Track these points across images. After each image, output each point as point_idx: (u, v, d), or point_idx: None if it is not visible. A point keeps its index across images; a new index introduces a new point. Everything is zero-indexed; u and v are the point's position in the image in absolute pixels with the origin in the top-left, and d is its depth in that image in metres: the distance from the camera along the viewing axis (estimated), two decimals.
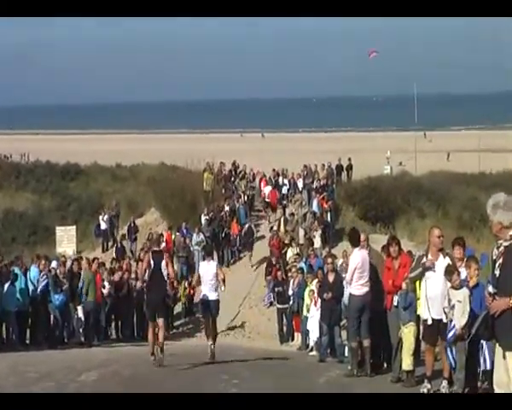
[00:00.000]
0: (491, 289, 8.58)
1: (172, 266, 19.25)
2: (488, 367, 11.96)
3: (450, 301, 12.38)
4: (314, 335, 22.65)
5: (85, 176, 59.15)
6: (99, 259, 29.74)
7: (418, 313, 13.69)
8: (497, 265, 8.57)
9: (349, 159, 50.90)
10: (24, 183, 56.89)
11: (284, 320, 28.54)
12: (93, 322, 25.77)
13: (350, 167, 50.21)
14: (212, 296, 18.16)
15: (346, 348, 18.30)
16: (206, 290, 18.18)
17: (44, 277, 24.45)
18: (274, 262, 33.37)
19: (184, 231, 37.55)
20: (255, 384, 14.40)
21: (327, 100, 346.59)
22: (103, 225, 41.99)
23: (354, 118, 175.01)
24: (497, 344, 8.62)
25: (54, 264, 26.71)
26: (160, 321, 17.54)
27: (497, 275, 8.53)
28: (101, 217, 42.25)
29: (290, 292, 27.63)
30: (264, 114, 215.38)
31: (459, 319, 12.22)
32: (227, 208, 40.19)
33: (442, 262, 12.83)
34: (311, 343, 23.32)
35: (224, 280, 18.47)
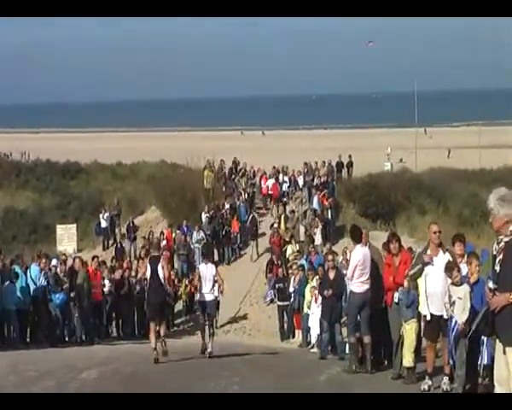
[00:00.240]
0: (491, 284, 8.56)
1: (168, 269, 19.72)
2: (488, 363, 11.96)
3: (450, 297, 12.38)
4: (315, 332, 22.69)
5: (86, 174, 59.15)
6: (99, 257, 29.67)
7: (419, 309, 13.70)
8: (497, 260, 8.55)
9: (349, 156, 50.91)
10: (24, 181, 56.91)
11: (285, 317, 28.55)
12: (85, 320, 25.65)
13: (350, 164, 50.22)
14: (210, 297, 18.90)
15: (347, 345, 18.30)
16: (205, 292, 18.84)
17: (45, 275, 24.46)
18: (275, 260, 33.40)
19: (185, 228, 37.54)
20: (256, 382, 14.42)
21: (326, 97, 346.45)
22: (104, 224, 41.98)
23: (354, 115, 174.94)
24: (498, 340, 8.62)
25: (54, 262, 26.72)
26: (161, 320, 18.38)
27: (498, 271, 8.52)
28: (101, 215, 42.23)
29: (291, 289, 27.64)
30: (264, 112, 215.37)
31: (460, 316, 12.22)
32: (227, 206, 40.20)
33: (442, 258, 12.84)
34: (312, 340, 23.33)
35: (222, 283, 19.27)
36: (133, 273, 29.09)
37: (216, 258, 37.58)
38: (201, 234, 36.80)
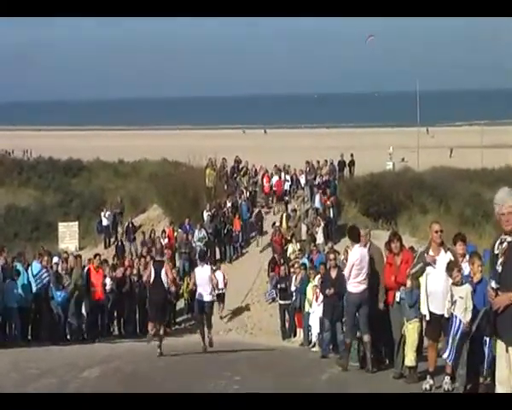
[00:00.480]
0: (494, 284, 8.56)
1: (172, 273, 21.15)
2: (490, 364, 11.97)
3: (452, 296, 12.38)
4: (315, 330, 22.70)
5: (88, 172, 59.22)
6: (101, 255, 29.67)
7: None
8: (499, 261, 8.55)
9: (351, 155, 50.92)
10: (26, 179, 56.99)
11: (286, 316, 28.56)
12: (81, 318, 25.62)
13: (352, 163, 50.21)
14: (207, 298, 19.93)
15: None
16: (201, 292, 19.85)
17: (46, 273, 24.47)
18: (277, 258, 33.42)
19: (187, 227, 37.54)
20: (257, 381, 14.42)
21: (328, 96, 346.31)
22: (105, 222, 42.02)
23: (356, 114, 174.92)
24: (499, 340, 8.62)
25: (55, 260, 26.72)
26: (161, 321, 19.54)
27: (500, 271, 8.51)
28: (103, 213, 42.27)
29: (292, 288, 27.63)
30: (265, 111, 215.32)
31: (464, 316, 12.22)
32: (229, 204, 40.22)
33: (444, 258, 12.85)
34: (313, 339, 23.34)
35: (216, 284, 21.22)
36: (135, 271, 29.12)
37: (218, 256, 37.75)
38: (203, 232, 36.81)
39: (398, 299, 14.65)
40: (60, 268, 25.72)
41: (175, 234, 37.31)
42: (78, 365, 16.39)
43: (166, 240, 36.02)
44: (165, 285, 19.32)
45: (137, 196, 48.21)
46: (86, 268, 26.32)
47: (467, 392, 12.05)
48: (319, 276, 22.74)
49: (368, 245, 16.05)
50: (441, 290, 12.63)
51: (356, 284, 15.54)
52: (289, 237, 36.05)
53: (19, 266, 23.94)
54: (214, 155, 45.76)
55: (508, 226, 8.59)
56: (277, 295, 30.25)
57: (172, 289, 22.58)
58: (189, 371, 16.24)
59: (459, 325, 12.24)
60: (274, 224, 38.27)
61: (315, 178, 44.43)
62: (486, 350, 12.05)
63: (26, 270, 24.27)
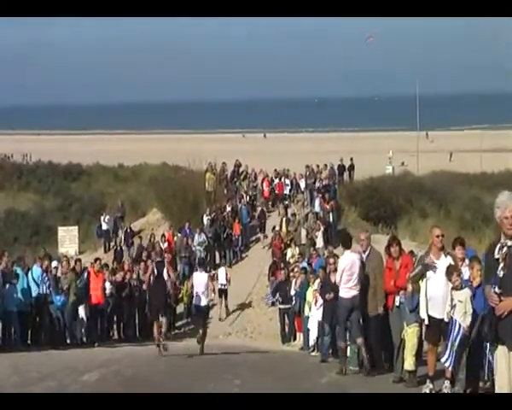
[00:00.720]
0: (497, 289, 8.51)
1: (173, 271, 22.99)
2: (490, 368, 11.94)
3: (452, 300, 12.37)
4: (314, 334, 22.68)
5: (87, 176, 59.27)
6: (101, 259, 29.64)
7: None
8: (500, 266, 8.51)
9: (351, 159, 50.97)
10: (26, 183, 57.04)
11: (286, 320, 28.52)
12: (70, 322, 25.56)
13: (352, 167, 50.26)
14: (204, 303, 21.09)
15: (349, 349, 18.28)
16: (198, 297, 20.99)
17: (46, 278, 24.44)
18: (277, 262, 33.45)
19: (187, 231, 37.52)
20: (257, 385, 14.40)
21: (328, 100, 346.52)
22: (105, 226, 41.99)
23: (356, 118, 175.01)
24: (501, 345, 8.57)
25: (54, 264, 26.69)
26: (163, 319, 20.32)
27: (501, 276, 8.47)
28: (102, 217, 42.24)
29: (292, 292, 27.60)
30: (265, 115, 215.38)
31: (461, 319, 12.20)
32: (229, 209, 40.20)
33: (444, 262, 12.83)
34: (311, 343, 23.31)
35: (213, 290, 22.75)
36: (134, 276, 29.09)
37: (217, 260, 37.72)
38: (203, 236, 36.80)
39: (397, 303, 14.65)
40: (59, 272, 25.68)
41: (174, 238, 37.28)
42: (77, 369, 16.37)
43: (166, 244, 36.01)
44: (167, 284, 20.35)
45: (137, 200, 48.22)
46: (86, 272, 26.30)
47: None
48: (318, 280, 22.72)
49: (368, 250, 16.07)
50: (441, 295, 12.62)
51: (347, 290, 15.68)
52: (289, 242, 36.02)
53: (18, 271, 23.91)
54: (214, 159, 45.77)
55: (510, 230, 8.55)
56: (277, 300, 30.23)
57: (172, 291, 23.04)
58: (188, 375, 16.22)
59: (459, 329, 12.22)
60: (274, 228, 38.28)
61: (315, 183, 44.46)
62: (486, 354, 12.03)
63: (26, 274, 24.25)
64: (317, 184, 43.98)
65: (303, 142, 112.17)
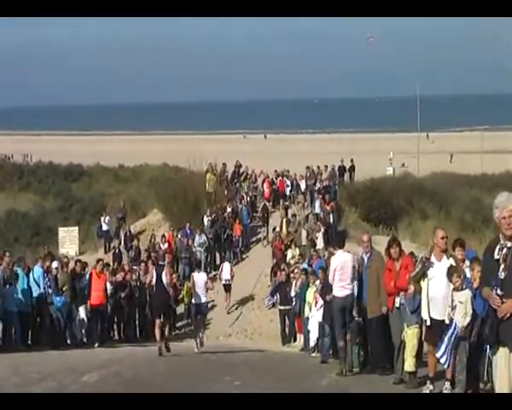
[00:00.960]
0: (499, 291, 8.48)
1: (171, 275, 23.55)
2: (490, 369, 11.93)
3: (452, 301, 12.37)
4: (314, 335, 22.67)
5: (88, 177, 59.23)
6: (103, 260, 29.63)
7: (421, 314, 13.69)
8: (501, 268, 8.48)
9: (351, 160, 50.97)
10: (26, 184, 57.00)
11: (286, 321, 28.51)
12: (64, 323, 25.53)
13: (352, 169, 50.25)
14: (203, 301, 22.75)
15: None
16: (198, 296, 22.57)
17: (46, 278, 24.44)
18: (279, 263, 33.50)
19: (188, 231, 37.51)
20: (257, 386, 14.38)
21: (328, 101, 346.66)
22: (105, 227, 41.96)
23: (356, 119, 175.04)
24: (501, 347, 8.54)
25: (55, 265, 26.65)
26: (165, 320, 20.99)
27: (502, 277, 8.44)
28: (102, 218, 42.22)
29: (292, 293, 27.59)
30: (266, 116, 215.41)
31: (461, 320, 12.20)
32: (229, 210, 40.19)
33: (446, 263, 12.82)
34: (311, 344, 23.30)
35: (210, 289, 24.36)
36: (134, 277, 29.11)
37: (218, 261, 37.73)
38: (204, 237, 36.81)
39: (397, 304, 14.65)
40: (59, 273, 25.66)
41: (178, 238, 37.26)
42: (77, 369, 16.36)
43: (166, 245, 36.01)
44: (167, 288, 20.69)
45: (138, 200, 48.20)
46: (88, 273, 26.28)
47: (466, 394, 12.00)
48: (318, 281, 22.70)
49: (370, 251, 16.11)
50: (442, 296, 12.60)
51: (340, 288, 15.84)
52: (289, 243, 36.02)
53: (19, 271, 23.90)
54: (214, 159, 45.75)
55: (508, 230, 8.53)
56: (276, 301, 30.25)
57: (171, 292, 23.31)
58: (189, 376, 16.21)
59: (455, 328, 12.24)
60: (274, 229, 38.28)
61: (315, 184, 44.46)
62: (487, 356, 12.02)
63: (27, 275, 24.24)
64: (318, 186, 43.99)
65: (303, 143, 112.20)
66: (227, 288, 33.72)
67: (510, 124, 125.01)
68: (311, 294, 23.87)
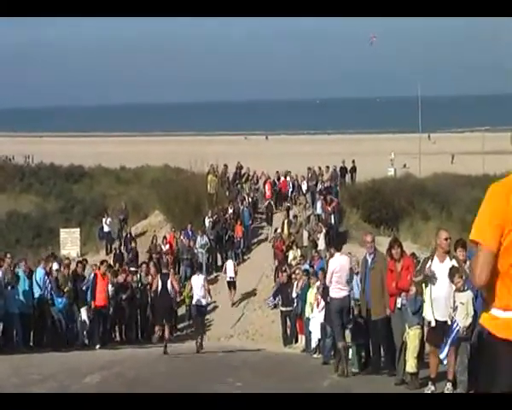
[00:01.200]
0: None
1: (177, 283, 25.14)
2: None
3: (454, 302, 12.37)
4: (316, 336, 22.65)
5: (89, 178, 59.19)
6: (107, 261, 29.64)
7: (423, 315, 13.68)
8: None
9: (353, 161, 50.96)
10: (28, 185, 56.94)
11: (288, 323, 28.49)
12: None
13: (354, 170, 50.24)
14: (202, 302, 23.59)
15: (350, 351, 18.28)
16: (197, 298, 23.44)
17: (47, 280, 24.44)
18: (281, 265, 33.51)
19: (190, 233, 37.50)
20: (258, 387, 14.38)
21: (330, 101, 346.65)
22: (106, 228, 41.96)
23: (358, 120, 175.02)
24: None
25: (55, 266, 26.66)
26: (166, 323, 22.06)
27: None
28: (104, 219, 42.22)
29: (294, 295, 27.56)
30: (267, 117, 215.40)
31: (462, 321, 12.19)
32: (231, 211, 40.18)
33: (448, 264, 12.82)
34: (313, 345, 23.29)
35: (209, 291, 24.85)
36: (135, 278, 29.12)
37: (219, 263, 37.75)
38: (205, 239, 36.81)
39: (399, 305, 14.65)
40: (60, 274, 25.67)
41: (176, 240, 37.23)
42: (79, 370, 16.38)
43: (167, 246, 36.00)
44: (171, 295, 22.22)
45: (139, 202, 48.18)
46: (93, 274, 26.28)
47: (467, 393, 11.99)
48: (319, 282, 22.70)
49: (374, 252, 16.13)
50: (444, 297, 12.61)
51: (337, 290, 15.93)
52: (290, 244, 36.00)
53: (20, 273, 23.92)
54: (216, 161, 45.74)
55: None
56: (278, 302, 30.25)
57: (177, 299, 24.34)
58: (190, 377, 16.21)
59: (455, 328, 12.23)
60: (276, 230, 38.26)
61: (316, 185, 44.44)
62: None
63: (28, 276, 24.24)
64: (319, 186, 43.98)
65: (305, 144, 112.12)
66: (231, 285, 34.03)
67: (511, 124, 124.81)
68: (312, 295, 23.87)
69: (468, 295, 12.34)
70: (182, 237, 37.17)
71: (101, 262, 27.89)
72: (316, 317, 22.52)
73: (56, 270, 25.91)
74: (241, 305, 34.08)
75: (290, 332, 28.29)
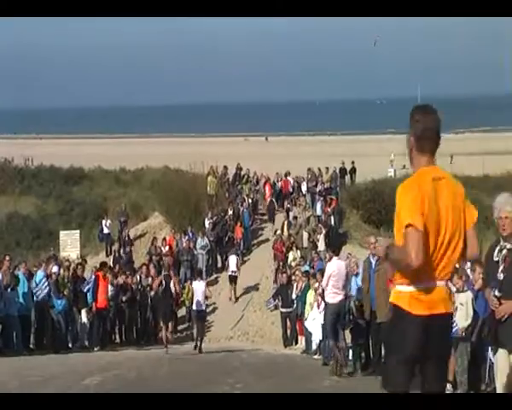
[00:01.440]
0: (497, 292, 8.47)
1: (179, 285, 25.91)
2: (492, 370, 11.91)
3: (453, 303, 12.35)
4: (316, 337, 22.64)
5: (89, 180, 59.08)
6: (107, 263, 29.64)
7: None
8: (500, 269, 8.47)
9: (352, 162, 50.93)
10: (27, 187, 56.83)
11: (288, 324, 28.50)
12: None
13: (353, 170, 50.21)
14: (203, 307, 24.87)
15: (350, 352, 18.29)
16: (198, 303, 24.59)
17: (46, 282, 24.42)
18: (281, 266, 33.50)
19: (190, 234, 37.50)
20: (259, 388, 14.36)
21: (330, 103, 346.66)
22: (106, 230, 41.95)
23: (357, 121, 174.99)
24: (501, 349, 8.53)
25: (55, 268, 26.65)
26: (167, 323, 23.12)
27: (501, 278, 8.43)
28: (104, 221, 42.21)
29: (294, 296, 27.57)
30: (267, 118, 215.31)
31: (461, 322, 12.18)
32: (231, 212, 40.17)
33: None
34: (313, 346, 23.28)
35: (209, 297, 26.61)
36: (135, 280, 29.12)
37: (219, 264, 37.75)
38: (206, 240, 36.81)
39: None
40: (60, 276, 25.68)
41: (176, 242, 37.21)
42: (79, 372, 16.35)
43: (167, 247, 35.99)
44: (173, 296, 23.48)
45: (139, 203, 48.14)
46: (94, 276, 26.28)
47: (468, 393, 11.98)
48: (319, 283, 22.70)
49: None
50: None
51: (333, 295, 15.97)
52: (290, 245, 36.00)
53: (20, 275, 23.90)
54: (216, 162, 45.74)
55: (503, 232, 8.56)
56: (278, 304, 30.26)
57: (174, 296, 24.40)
58: (190, 379, 16.18)
59: (454, 330, 12.23)
60: (276, 231, 38.25)
61: (316, 186, 44.43)
62: (488, 357, 12.00)
63: (28, 278, 24.23)
64: (319, 187, 43.97)
65: (305, 145, 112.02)
66: (233, 279, 34.27)
67: (510, 125, 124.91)
68: (311, 296, 23.89)
69: (467, 296, 12.33)
70: (182, 239, 37.18)
71: (102, 264, 27.91)
72: (316, 318, 22.52)
73: (55, 273, 25.90)
74: (241, 306, 34.05)
75: (290, 333, 28.29)
